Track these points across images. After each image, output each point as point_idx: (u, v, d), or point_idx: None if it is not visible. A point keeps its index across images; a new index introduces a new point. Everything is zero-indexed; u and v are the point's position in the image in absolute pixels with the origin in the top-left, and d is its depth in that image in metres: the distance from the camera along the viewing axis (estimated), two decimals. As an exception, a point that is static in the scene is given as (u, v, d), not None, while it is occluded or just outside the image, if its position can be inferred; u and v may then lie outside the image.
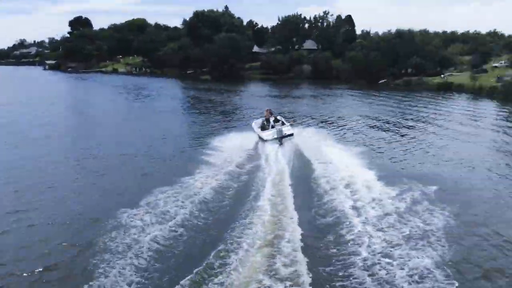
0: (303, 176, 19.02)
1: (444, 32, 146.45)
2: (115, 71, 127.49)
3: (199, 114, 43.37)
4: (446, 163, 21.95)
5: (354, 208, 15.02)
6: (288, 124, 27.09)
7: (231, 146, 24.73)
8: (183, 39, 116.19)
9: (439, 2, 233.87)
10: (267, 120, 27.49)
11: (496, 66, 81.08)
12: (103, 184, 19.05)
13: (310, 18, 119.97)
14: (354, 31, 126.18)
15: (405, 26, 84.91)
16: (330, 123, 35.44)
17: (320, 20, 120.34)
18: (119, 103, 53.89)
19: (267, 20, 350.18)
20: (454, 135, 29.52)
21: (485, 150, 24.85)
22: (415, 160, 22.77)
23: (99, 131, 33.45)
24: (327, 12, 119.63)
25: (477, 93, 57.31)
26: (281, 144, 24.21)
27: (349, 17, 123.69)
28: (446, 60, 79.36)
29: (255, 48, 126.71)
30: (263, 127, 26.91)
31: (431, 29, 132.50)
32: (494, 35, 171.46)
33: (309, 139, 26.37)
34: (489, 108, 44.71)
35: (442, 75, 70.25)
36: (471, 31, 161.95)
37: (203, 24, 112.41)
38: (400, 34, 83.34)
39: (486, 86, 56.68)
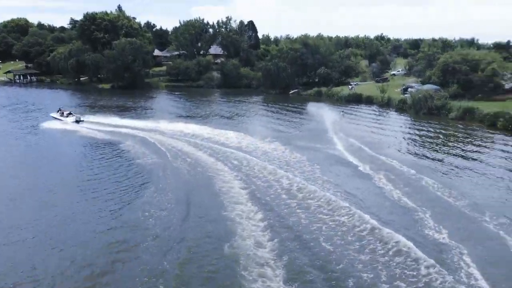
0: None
1: (337, 37, 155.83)
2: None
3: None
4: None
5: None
6: (76, 114, 49.82)
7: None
8: (75, 42, 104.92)
9: (325, 6, 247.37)
10: (63, 113, 49.59)
11: (394, 74, 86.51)
12: None
13: (213, 23, 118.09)
14: (257, 37, 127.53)
15: (299, 30, 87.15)
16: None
17: (224, 26, 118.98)
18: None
19: (159, 18, 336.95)
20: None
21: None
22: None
23: None
24: (229, 17, 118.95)
25: (387, 105, 59.44)
26: (79, 123, 46.31)
27: (251, 23, 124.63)
28: (350, 69, 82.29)
29: (156, 52, 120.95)
30: (66, 116, 48.58)
31: (324, 33, 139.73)
32: (381, 39, 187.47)
33: None
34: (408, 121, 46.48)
35: (350, 86, 72.21)
36: (361, 35, 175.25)
37: (97, 27, 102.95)
38: (305, 44, 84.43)
39: (395, 99, 58.95)
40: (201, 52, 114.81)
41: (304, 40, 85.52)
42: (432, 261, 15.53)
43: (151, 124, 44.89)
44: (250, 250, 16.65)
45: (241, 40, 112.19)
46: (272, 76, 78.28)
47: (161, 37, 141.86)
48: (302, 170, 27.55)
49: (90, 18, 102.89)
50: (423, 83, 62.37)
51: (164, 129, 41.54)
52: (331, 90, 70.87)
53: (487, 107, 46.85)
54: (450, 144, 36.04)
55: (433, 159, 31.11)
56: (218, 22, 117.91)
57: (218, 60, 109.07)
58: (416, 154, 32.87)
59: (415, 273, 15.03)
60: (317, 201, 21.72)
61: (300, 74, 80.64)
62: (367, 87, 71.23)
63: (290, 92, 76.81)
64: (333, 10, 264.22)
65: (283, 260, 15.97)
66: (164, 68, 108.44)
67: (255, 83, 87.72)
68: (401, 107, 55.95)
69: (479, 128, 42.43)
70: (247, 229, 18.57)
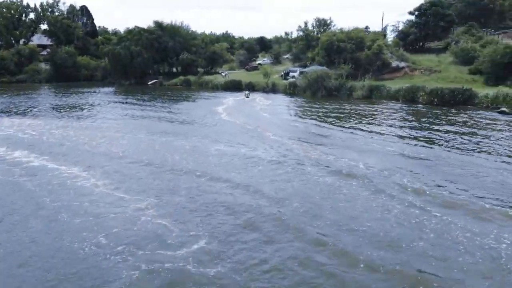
0: None
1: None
2: None
3: None
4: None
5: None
6: None
7: None
8: None
9: (164, 6, 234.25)
10: None
11: (260, 64, 79.78)
12: None
13: (35, 6, 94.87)
14: (94, 24, 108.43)
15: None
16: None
17: (50, 9, 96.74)
18: None
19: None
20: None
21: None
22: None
23: None
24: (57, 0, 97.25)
25: (272, 91, 50.73)
26: None
27: (85, 8, 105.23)
28: (217, 56, 71.64)
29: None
30: None
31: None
32: (227, 37, 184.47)
33: None
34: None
35: (223, 74, 61.83)
36: (207, 32, 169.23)
37: None
38: (161, 26, 70.71)
39: (280, 83, 50.80)
40: (22, 41, 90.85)
41: (158, 23, 71.41)
42: None
43: None
44: None
45: (75, 26, 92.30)
46: (123, 63, 62.68)
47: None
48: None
49: None
50: (304, 66, 55.71)
51: None
52: (202, 78, 59.21)
53: (390, 84, 41.83)
54: (370, 119, 27.99)
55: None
56: (41, 4, 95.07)
57: (45, 52, 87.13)
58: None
59: None
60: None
61: (159, 60, 66.68)
62: (240, 75, 61.92)
63: (150, 82, 62.36)
64: (169, 12, 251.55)
65: None
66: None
67: (100, 74, 70.49)
68: (292, 91, 47.65)
69: (397, 104, 36.21)
70: None
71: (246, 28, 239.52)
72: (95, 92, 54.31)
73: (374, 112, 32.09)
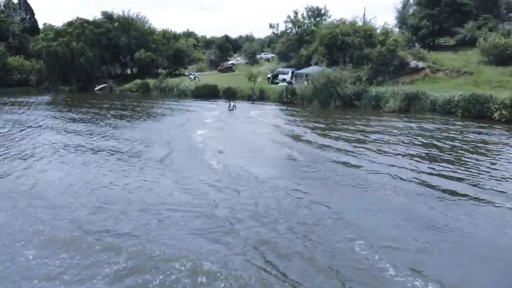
0: None
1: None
2: None
3: None
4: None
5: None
6: None
7: None
8: None
9: (139, 5, 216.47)
10: None
11: (233, 64, 67.96)
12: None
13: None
14: (35, 20, 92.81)
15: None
16: None
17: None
18: None
19: None
20: None
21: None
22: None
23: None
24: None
25: (261, 99, 38.74)
26: None
27: (24, 2, 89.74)
28: (182, 54, 58.27)
29: None
30: None
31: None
32: (189, 34, 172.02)
33: None
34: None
35: (191, 76, 49.06)
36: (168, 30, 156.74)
37: None
38: (111, 18, 56.81)
39: (271, 89, 38.88)
40: None
41: (108, 14, 57.28)
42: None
43: None
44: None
45: (10, 21, 76.90)
46: (62, 64, 48.53)
47: None
48: None
49: None
50: (297, 66, 44.10)
51: None
52: (164, 82, 46.01)
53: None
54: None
55: None
56: (-35, -4, 78.49)
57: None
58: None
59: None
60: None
61: (109, 60, 52.65)
62: (214, 78, 49.50)
63: (97, 88, 48.58)
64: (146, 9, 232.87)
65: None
66: None
67: (36, 77, 55.71)
68: (289, 100, 35.70)
69: (456, 120, 25.08)
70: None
71: (205, 27, 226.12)
72: (22, 103, 40.11)
73: (473, 143, 20.72)
